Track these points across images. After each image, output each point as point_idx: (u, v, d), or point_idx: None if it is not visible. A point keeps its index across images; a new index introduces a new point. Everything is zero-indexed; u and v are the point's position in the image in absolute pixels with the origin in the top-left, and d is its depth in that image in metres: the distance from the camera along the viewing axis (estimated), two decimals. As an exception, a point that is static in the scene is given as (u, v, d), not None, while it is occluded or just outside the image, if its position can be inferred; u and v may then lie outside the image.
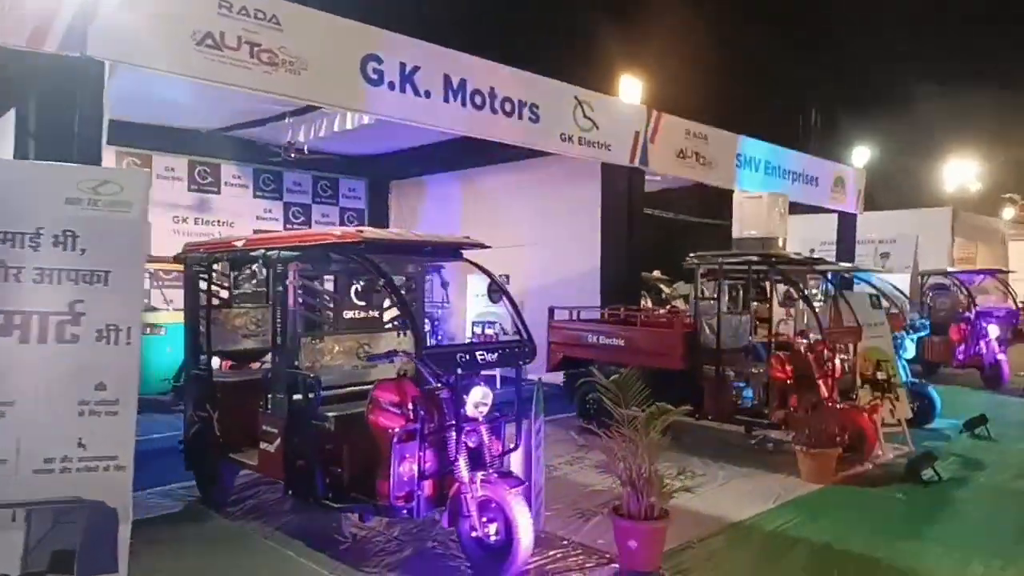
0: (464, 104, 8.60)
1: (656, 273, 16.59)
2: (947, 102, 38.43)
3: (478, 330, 11.86)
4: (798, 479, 6.83)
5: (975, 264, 24.53)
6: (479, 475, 4.53)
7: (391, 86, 7.91)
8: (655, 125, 11.04)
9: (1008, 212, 27.45)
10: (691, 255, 8.30)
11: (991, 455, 8.18)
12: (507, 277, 11.89)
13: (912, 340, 9.62)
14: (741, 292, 8.83)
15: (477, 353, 4.63)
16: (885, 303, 9.58)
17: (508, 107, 9.05)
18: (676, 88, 15.62)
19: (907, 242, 21.99)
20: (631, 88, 10.76)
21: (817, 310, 7.86)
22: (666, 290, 16.03)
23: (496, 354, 4.77)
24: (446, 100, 8.42)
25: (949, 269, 13.70)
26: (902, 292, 10.10)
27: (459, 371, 4.53)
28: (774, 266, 7.41)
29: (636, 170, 10.87)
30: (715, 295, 8.20)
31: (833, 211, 15.64)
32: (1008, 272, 13.83)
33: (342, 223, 15.12)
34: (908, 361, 9.70)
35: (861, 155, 15.43)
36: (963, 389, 12.67)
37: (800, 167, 13.92)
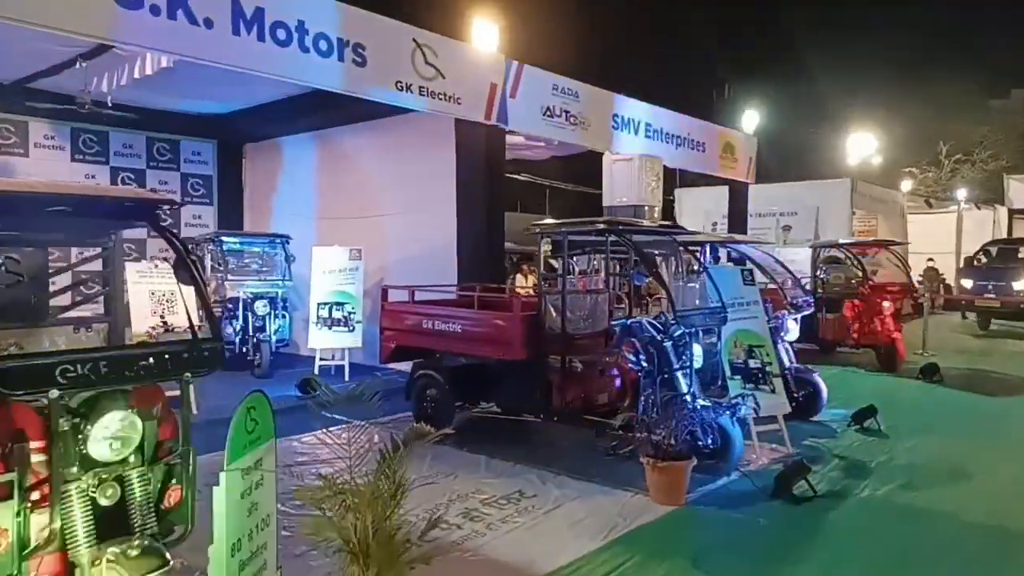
0: (262, 38, 6.99)
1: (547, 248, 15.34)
2: (850, 74, 38.58)
3: (324, 313, 10.27)
4: (646, 497, 5.59)
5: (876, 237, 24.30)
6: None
7: (154, 10, 6.25)
8: (516, 78, 9.64)
9: (906, 184, 27.29)
10: (532, 224, 6.94)
11: (878, 454, 7.15)
12: (359, 252, 10.41)
13: (795, 320, 8.56)
14: (602, 267, 7.56)
15: (81, 365, 3.00)
16: (763, 278, 8.46)
17: (324, 45, 7.48)
18: (545, 39, 14.21)
19: (808, 214, 21.44)
20: (486, 33, 9.30)
21: (675, 287, 6.64)
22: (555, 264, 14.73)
23: (133, 363, 3.20)
24: (236, 32, 6.80)
25: (841, 241, 12.86)
26: (784, 266, 9.04)
27: (56, 391, 2.94)
28: (621, 235, 6.12)
29: (495, 129, 9.46)
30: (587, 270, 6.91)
31: (728, 180, 14.67)
32: (902, 244, 13.09)
33: (184, 191, 13.26)
34: (794, 343, 8.65)
35: (751, 120, 14.40)
36: (858, 372, 11.86)
37: (685, 131, 12.77)
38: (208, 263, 10.84)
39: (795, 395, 8.31)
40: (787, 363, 8.39)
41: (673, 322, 6.17)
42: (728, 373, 6.97)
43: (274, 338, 10.37)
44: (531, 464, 6.42)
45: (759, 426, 7.02)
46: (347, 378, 9.76)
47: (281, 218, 12.81)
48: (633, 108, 11.73)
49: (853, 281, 12.80)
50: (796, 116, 35.84)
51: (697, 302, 7.21)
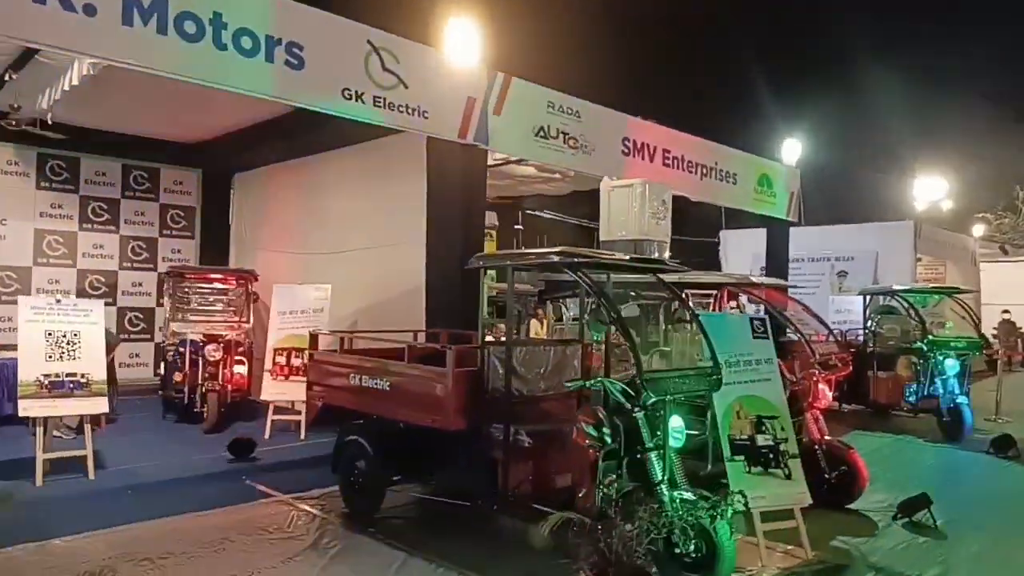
0: (163, 31, 5.84)
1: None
2: (917, 114, 36.41)
3: (282, 360, 8.95)
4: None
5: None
6: None
7: (14, -8, 5.16)
8: (502, 91, 8.32)
9: (978, 229, 24.98)
10: (476, 256, 5.53)
11: (931, 564, 5.42)
12: (326, 291, 9.19)
13: (828, 382, 6.89)
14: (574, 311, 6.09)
15: None
16: (790, 331, 6.86)
17: (247, 43, 6.30)
18: (547, 52, 12.85)
19: (867, 260, 19.53)
20: (464, 38, 8.04)
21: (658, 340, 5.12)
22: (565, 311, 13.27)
23: None
24: (127, 23, 5.66)
25: (895, 287, 11.08)
26: (818, 316, 7.39)
27: None
28: (576, 270, 4.65)
29: (474, 150, 8.15)
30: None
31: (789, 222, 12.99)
32: (969, 292, 11.22)
33: (163, 222, 12.30)
34: (826, 411, 6.97)
35: (792, 150, 12.73)
36: (915, 442, 9.98)
37: (712, 159, 11.21)
38: (166, 302, 9.76)
39: (826, 476, 6.68)
40: (816, 435, 6.75)
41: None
42: (727, 453, 5.38)
43: (229, 387, 9.11)
44: (460, 568, 4.92)
45: (769, 523, 5.39)
46: (303, 436, 8.44)
47: (267, 253, 11.72)
48: (648, 131, 10.28)
49: (910, 338, 10.98)
50: (855, 153, 33.80)
51: (691, 360, 5.67)
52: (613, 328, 5.41)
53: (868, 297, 11.40)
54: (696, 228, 25.14)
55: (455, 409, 5.16)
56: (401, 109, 7.37)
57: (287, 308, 9.02)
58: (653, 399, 4.60)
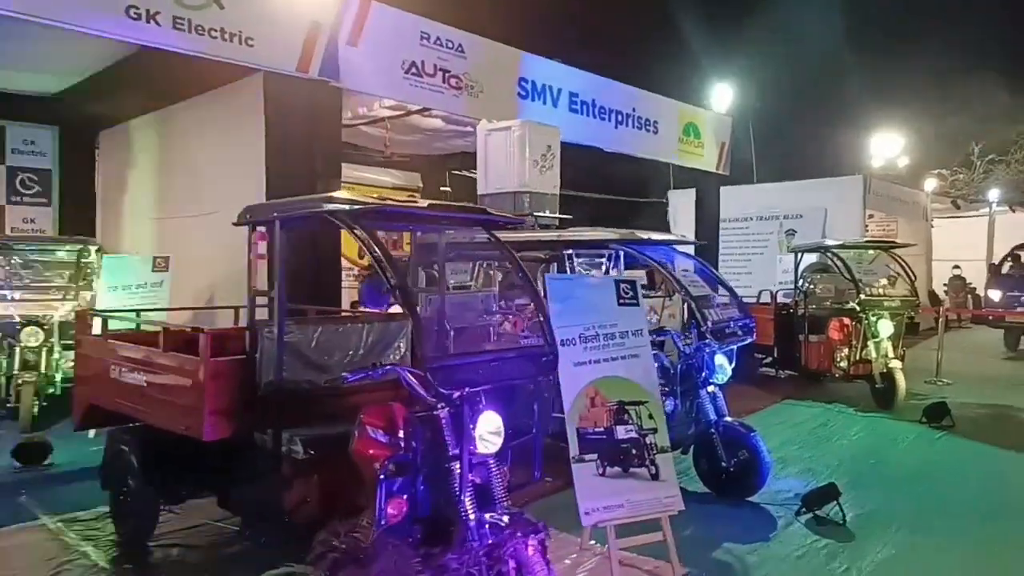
0: None
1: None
2: (872, 67, 35.47)
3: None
4: None
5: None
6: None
7: None
8: (359, 18, 7.08)
9: (930, 183, 24.20)
10: (246, 208, 4.31)
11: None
12: (166, 261, 7.91)
13: (727, 354, 5.83)
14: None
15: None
16: (659, 296, 5.79)
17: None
18: None
19: (816, 217, 18.63)
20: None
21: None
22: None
23: None
24: None
25: (828, 242, 10.07)
26: (719, 278, 6.27)
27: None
28: (356, 222, 3.39)
29: (323, 88, 6.90)
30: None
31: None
32: (906, 246, 10.26)
33: (11, 188, 10.85)
34: (724, 384, 5.92)
35: (723, 95, 11.56)
36: (845, 411, 9.06)
37: (629, 104, 10.04)
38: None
39: (723, 464, 5.66)
40: (712, 416, 5.71)
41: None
42: (574, 451, 4.27)
43: (59, 377, 7.80)
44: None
45: (627, 539, 4.32)
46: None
47: (135, 220, 10.36)
48: (550, 71, 9.09)
49: (843, 298, 10.00)
50: (809, 109, 32.85)
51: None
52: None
53: (800, 255, 10.37)
54: (643, 188, 24.04)
55: (213, 411, 3.97)
56: (215, 34, 6.08)
57: (119, 282, 7.72)
58: (455, 392, 3.46)
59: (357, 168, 11.83)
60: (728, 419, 5.81)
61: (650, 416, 4.54)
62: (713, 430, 5.70)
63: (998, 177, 32.07)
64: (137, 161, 10.23)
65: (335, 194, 3.71)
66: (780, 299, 10.85)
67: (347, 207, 3.56)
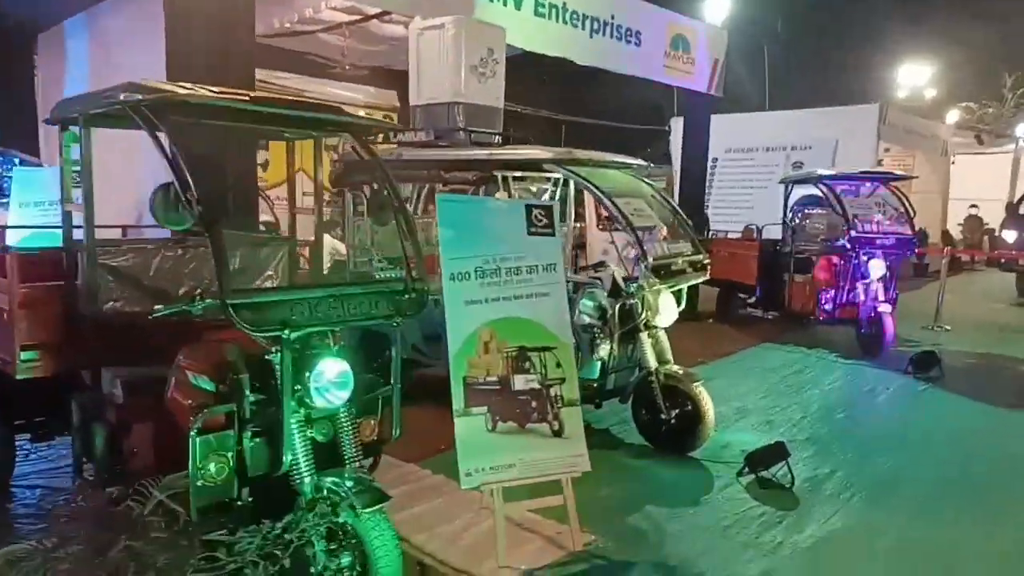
0: None
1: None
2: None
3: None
4: None
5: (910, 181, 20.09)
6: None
7: None
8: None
9: (952, 115, 22.84)
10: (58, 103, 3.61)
11: (747, 559, 3.82)
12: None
13: (673, 294, 5.13)
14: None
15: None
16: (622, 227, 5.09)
17: None
18: None
19: (825, 148, 17.68)
20: None
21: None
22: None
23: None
24: None
25: (821, 172, 9.20)
26: (672, 204, 5.48)
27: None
28: (159, 118, 2.67)
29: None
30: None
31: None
32: (907, 177, 9.33)
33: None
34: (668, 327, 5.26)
35: (717, 5, 10.51)
36: (826, 358, 8.39)
37: (607, 11, 9.08)
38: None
39: (662, 416, 5.05)
40: (652, 363, 5.07)
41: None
42: (459, 404, 3.64)
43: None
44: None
45: (523, 502, 3.74)
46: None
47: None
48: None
49: (834, 235, 9.21)
50: (829, 32, 31.16)
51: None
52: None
53: (790, 187, 9.53)
54: (644, 115, 22.88)
55: (26, 345, 3.36)
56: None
57: (30, 198, 7.08)
58: (283, 332, 2.82)
59: (316, 82, 10.95)
60: (671, 367, 5.16)
61: (558, 364, 3.89)
62: (652, 378, 5.06)
63: (1029, 110, 30.45)
64: (73, 67, 9.46)
65: (143, 81, 3.01)
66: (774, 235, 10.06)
67: (140, 96, 2.86)
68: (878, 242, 8.47)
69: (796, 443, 5.39)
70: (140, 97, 2.85)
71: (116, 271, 3.68)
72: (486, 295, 3.81)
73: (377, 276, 5.40)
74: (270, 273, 4.07)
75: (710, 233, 11.63)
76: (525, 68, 10.92)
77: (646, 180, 5.59)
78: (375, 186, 3.56)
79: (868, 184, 9.26)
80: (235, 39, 6.18)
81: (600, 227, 9.32)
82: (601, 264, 5.64)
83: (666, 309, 5.13)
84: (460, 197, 4.80)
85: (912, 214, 8.87)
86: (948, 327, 10.10)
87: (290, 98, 3.45)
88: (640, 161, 5.67)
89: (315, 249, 4.25)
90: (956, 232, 20.47)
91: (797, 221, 9.74)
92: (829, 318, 8.81)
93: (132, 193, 6.93)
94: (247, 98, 3.02)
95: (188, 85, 3.06)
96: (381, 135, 6.36)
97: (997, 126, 29.09)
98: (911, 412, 6.60)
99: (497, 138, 6.04)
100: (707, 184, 18.32)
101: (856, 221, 8.59)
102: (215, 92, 3.00)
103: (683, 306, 5.34)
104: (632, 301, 5.08)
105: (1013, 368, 8.33)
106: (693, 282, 5.28)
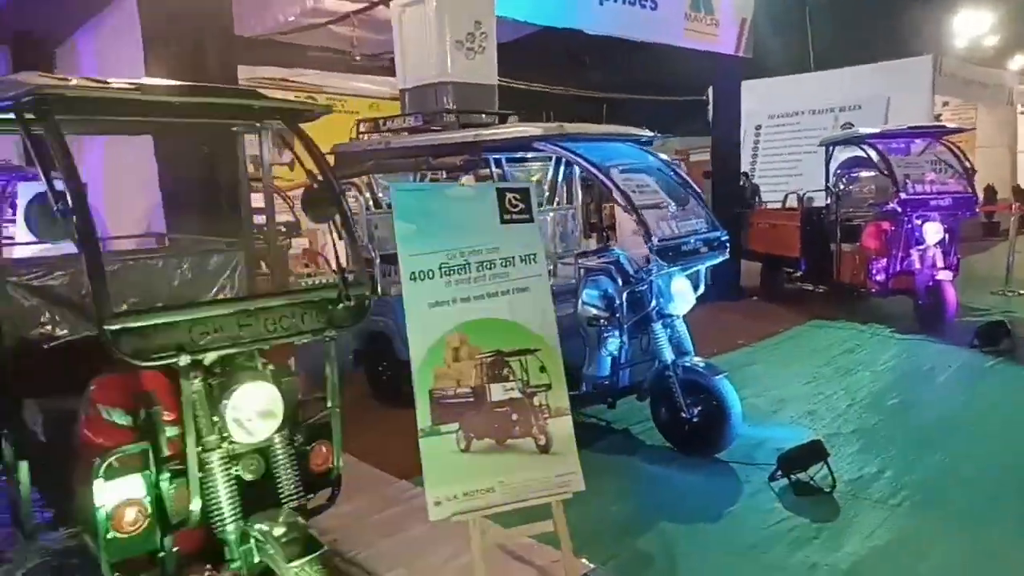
0: None
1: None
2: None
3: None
4: None
5: (975, 135, 18.75)
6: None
7: None
8: None
9: (1017, 61, 21.31)
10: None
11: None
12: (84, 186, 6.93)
13: (689, 279, 4.57)
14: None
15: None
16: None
17: None
18: None
19: (877, 107, 16.59)
20: None
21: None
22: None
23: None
24: None
25: (863, 130, 8.41)
26: (684, 177, 4.90)
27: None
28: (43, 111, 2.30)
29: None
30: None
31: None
32: (961, 130, 8.46)
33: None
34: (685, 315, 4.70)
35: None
36: (880, 332, 7.68)
37: (618, -24, 8.44)
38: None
39: (683, 414, 4.51)
40: (668, 356, 4.53)
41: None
42: (424, 422, 3.17)
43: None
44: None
45: (513, 528, 3.27)
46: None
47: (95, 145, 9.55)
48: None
49: (883, 198, 8.42)
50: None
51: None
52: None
53: (831, 149, 8.76)
54: (683, 85, 21.92)
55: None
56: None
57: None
58: (177, 359, 2.40)
59: (335, 76, 10.71)
60: (691, 359, 4.61)
61: (542, 369, 3.39)
62: (670, 372, 4.52)
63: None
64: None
65: (28, 75, 2.63)
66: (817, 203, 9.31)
67: (21, 92, 2.46)
68: (932, 203, 7.68)
69: (840, 437, 4.79)
70: (12, 94, 2.45)
71: (42, 292, 3.33)
72: (453, 295, 3.33)
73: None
74: (228, 282, 3.68)
75: (761, 203, 10.95)
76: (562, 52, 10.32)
77: (653, 153, 5.01)
78: (319, 179, 3.10)
79: (919, 141, 8.43)
80: (212, 33, 5.82)
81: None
82: (605, 248, 5.09)
83: (680, 295, 4.57)
84: (419, 185, 4.34)
85: (972, 170, 8.02)
86: (1021, 291, 9.20)
87: (217, 87, 3.03)
88: (647, 132, 5.09)
89: (275, 255, 3.84)
90: (1025, 187, 19.08)
91: (842, 186, 8.95)
92: (882, 290, 8.05)
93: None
94: (135, 87, 2.59)
95: (67, 78, 2.66)
96: (372, 124, 5.95)
97: (1069, 71, 27.11)
98: (975, 394, 5.87)
99: (495, 118, 5.54)
100: (752, 153, 17.32)
101: (907, 182, 7.81)
102: (97, 84, 2.59)
103: (702, 290, 4.78)
104: (641, 287, 4.55)
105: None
106: (711, 263, 4.69)
